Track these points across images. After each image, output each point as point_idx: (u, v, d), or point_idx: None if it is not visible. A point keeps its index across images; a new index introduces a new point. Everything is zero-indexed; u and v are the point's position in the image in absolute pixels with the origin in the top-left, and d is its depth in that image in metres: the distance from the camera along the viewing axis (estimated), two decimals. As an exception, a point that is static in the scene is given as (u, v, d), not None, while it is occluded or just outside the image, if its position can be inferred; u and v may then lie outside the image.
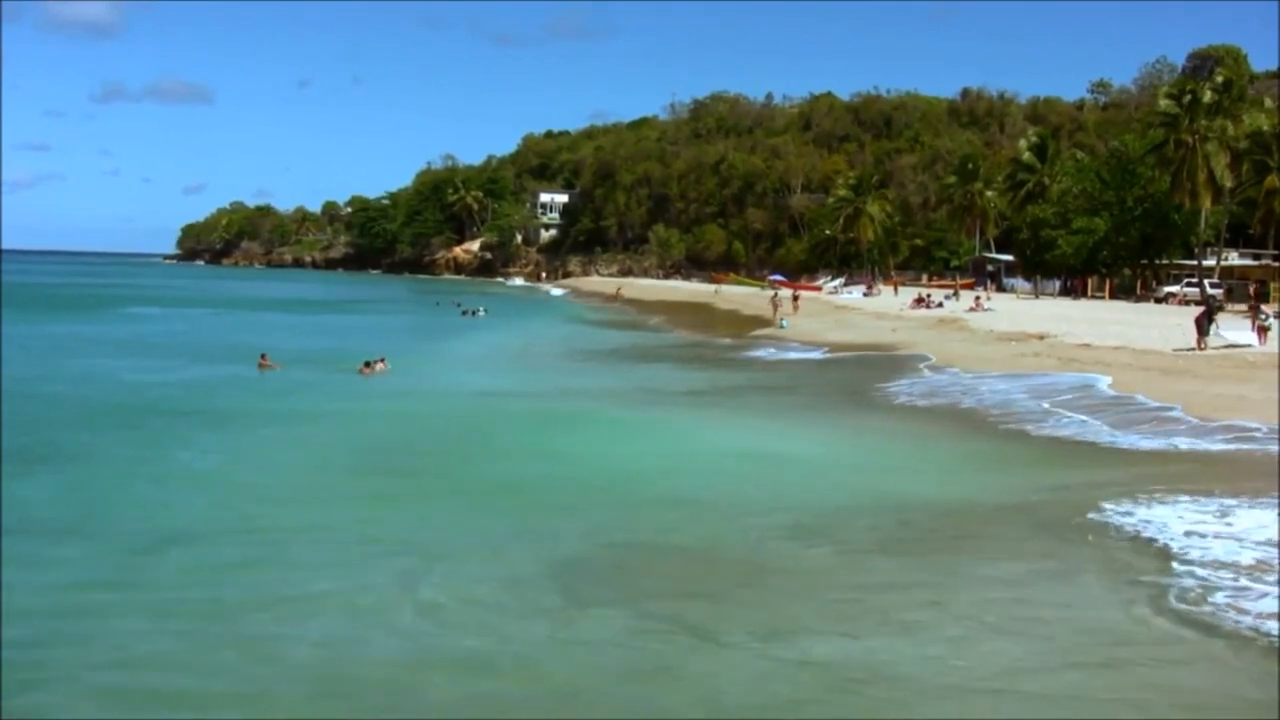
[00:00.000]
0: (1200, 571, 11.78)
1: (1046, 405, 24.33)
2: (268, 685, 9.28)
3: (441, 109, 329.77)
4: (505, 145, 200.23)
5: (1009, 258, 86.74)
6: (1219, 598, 10.99)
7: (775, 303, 57.05)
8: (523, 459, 19.18)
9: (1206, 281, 64.87)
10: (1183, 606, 10.83)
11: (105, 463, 18.55)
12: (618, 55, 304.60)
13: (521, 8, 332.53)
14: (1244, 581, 11.43)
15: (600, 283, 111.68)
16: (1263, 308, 35.14)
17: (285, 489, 16.77)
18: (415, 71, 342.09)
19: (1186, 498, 15.06)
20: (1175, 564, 12.10)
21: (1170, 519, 13.96)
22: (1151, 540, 13.09)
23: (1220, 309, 33.15)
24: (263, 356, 34.64)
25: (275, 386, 30.27)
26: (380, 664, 9.70)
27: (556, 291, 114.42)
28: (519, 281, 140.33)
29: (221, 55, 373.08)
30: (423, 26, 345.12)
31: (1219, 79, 70.84)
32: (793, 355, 41.07)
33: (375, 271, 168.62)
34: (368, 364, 33.25)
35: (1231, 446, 18.83)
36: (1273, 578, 11.47)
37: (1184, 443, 19.47)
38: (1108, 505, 14.64)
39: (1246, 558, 12.18)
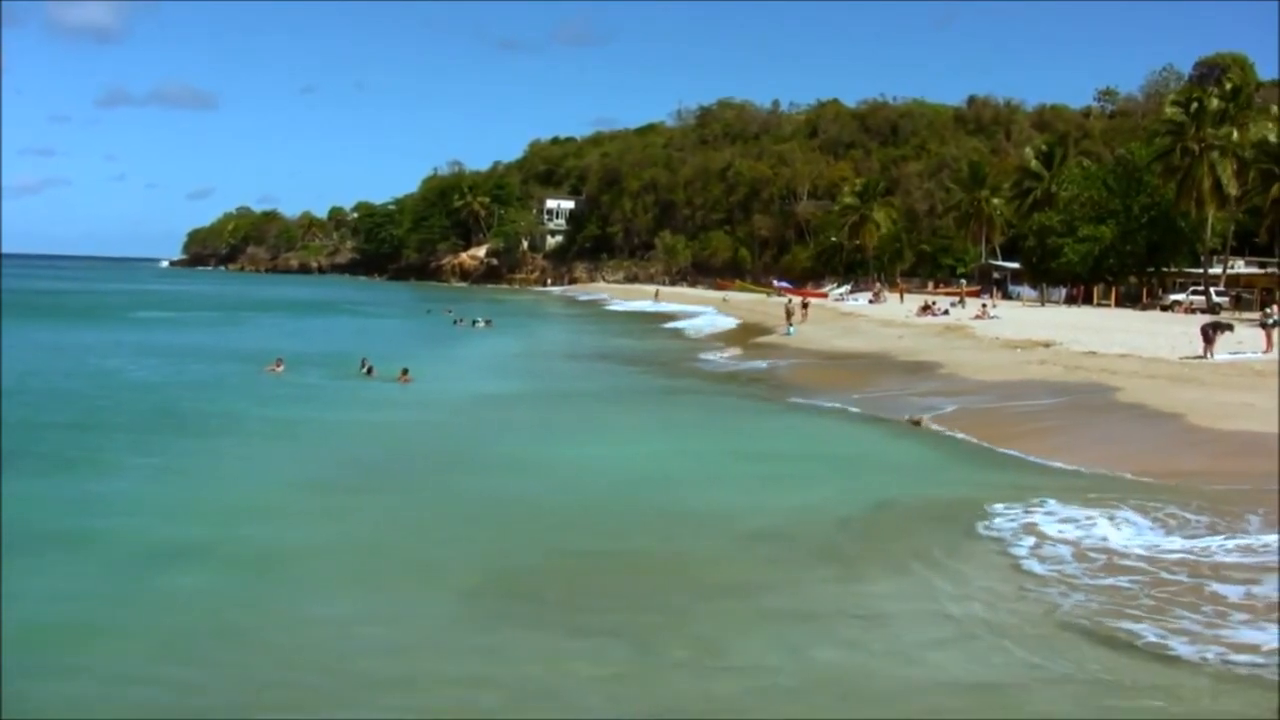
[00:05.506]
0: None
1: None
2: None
3: (447, 115, 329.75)
4: (512, 151, 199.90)
5: (1015, 265, 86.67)
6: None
7: (789, 309, 57.32)
8: (483, 472, 19.18)
9: (1212, 290, 64.75)
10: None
11: (107, 471, 18.40)
12: (623, 61, 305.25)
13: (524, 12, 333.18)
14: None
15: (642, 290, 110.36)
16: (1271, 307, 34.78)
17: (267, 502, 16.51)
18: (418, 78, 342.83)
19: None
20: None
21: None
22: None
23: (1228, 328, 32.71)
24: (276, 361, 34.87)
25: (282, 393, 30.22)
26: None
27: (598, 293, 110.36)
28: (538, 288, 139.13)
29: (224, 60, 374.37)
30: (424, 32, 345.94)
31: (1226, 87, 70.73)
32: (795, 363, 40.94)
33: (381, 277, 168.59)
34: (368, 369, 34.02)
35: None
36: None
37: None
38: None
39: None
